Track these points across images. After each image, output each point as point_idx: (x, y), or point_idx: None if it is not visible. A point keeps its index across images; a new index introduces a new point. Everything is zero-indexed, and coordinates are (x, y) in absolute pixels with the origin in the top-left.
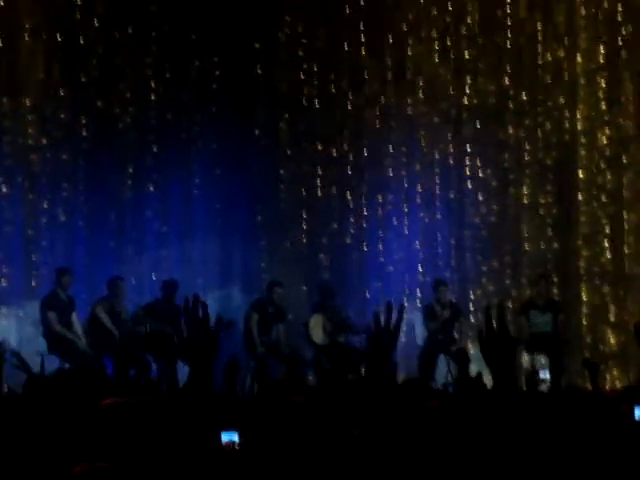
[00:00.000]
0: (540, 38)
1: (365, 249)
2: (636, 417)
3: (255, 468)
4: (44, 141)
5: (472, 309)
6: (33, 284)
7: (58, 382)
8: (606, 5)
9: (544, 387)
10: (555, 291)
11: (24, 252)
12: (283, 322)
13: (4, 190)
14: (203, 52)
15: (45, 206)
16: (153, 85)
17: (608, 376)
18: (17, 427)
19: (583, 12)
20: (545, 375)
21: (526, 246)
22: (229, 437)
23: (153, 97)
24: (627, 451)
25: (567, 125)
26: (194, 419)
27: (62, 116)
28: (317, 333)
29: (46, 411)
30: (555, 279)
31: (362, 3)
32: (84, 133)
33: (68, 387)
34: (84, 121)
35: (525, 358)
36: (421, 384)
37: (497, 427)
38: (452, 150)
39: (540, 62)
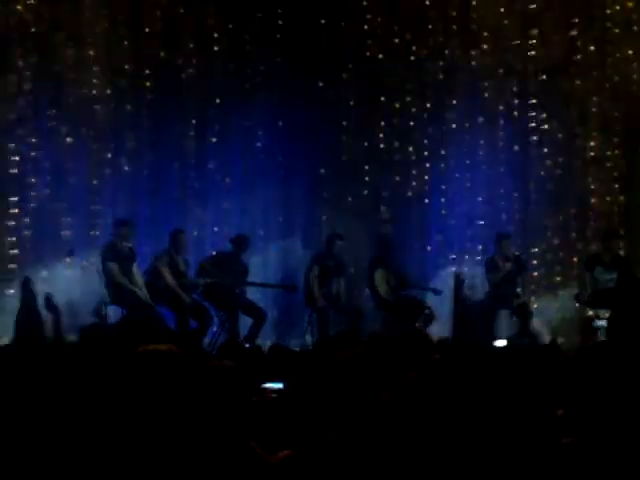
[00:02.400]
0: None
1: (427, 202)
2: None
3: (292, 415)
4: (108, 92)
5: (536, 263)
6: (97, 234)
7: (121, 332)
8: None
9: (600, 335)
10: (623, 246)
11: (88, 202)
12: (343, 275)
13: (68, 140)
14: (267, 2)
15: (109, 156)
16: (216, 36)
17: None
18: (76, 376)
19: None
20: (602, 323)
21: (592, 200)
22: (274, 386)
23: (216, 48)
24: None
25: (635, 77)
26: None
27: (126, 67)
28: (381, 287)
29: (107, 360)
30: (622, 233)
31: None
32: (148, 84)
33: (130, 337)
34: (148, 72)
35: (590, 313)
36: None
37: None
38: (517, 103)
39: (608, 13)
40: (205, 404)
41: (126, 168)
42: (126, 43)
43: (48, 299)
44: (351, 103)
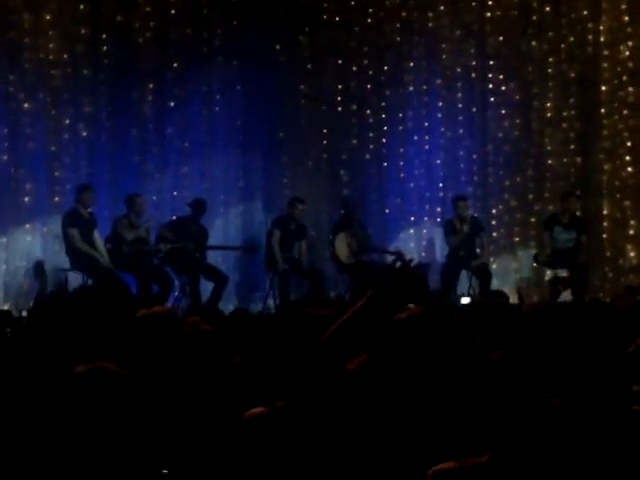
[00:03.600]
0: None
1: (385, 165)
2: None
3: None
4: (65, 56)
5: (494, 224)
6: (56, 200)
7: (83, 298)
8: None
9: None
10: (580, 207)
11: (47, 168)
12: (305, 239)
13: (26, 106)
14: None
15: (67, 122)
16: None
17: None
18: (39, 343)
19: None
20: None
21: (549, 160)
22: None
23: (173, 11)
24: None
25: (590, 38)
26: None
27: (82, 31)
28: (342, 251)
29: (71, 327)
30: (578, 193)
31: None
32: (105, 48)
33: (93, 303)
34: (104, 36)
35: (548, 273)
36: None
37: (521, 337)
38: (474, 64)
39: None
40: (195, 368)
41: (84, 134)
42: (82, 7)
43: (39, 266)
44: (308, 66)
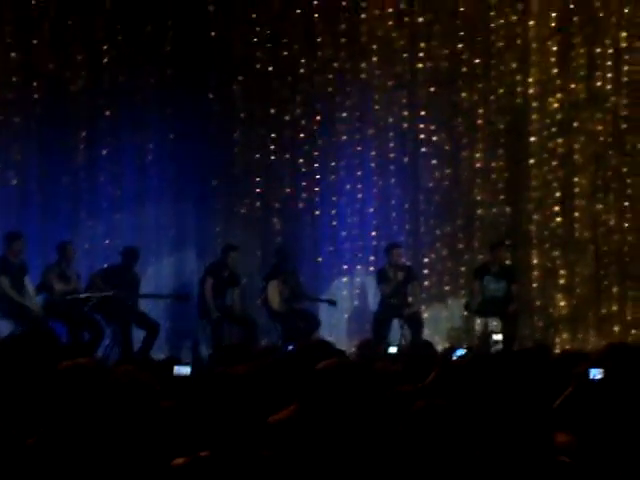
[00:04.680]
0: (493, 2)
1: (318, 213)
2: (591, 377)
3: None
4: None
5: (426, 273)
6: None
7: (11, 346)
8: None
9: (496, 349)
10: (509, 256)
11: None
12: (238, 286)
13: None
14: (156, 14)
15: None
16: (105, 48)
17: (558, 339)
18: None
19: None
20: (497, 337)
21: (478, 210)
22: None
23: (106, 60)
24: (583, 409)
25: (519, 89)
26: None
27: (14, 79)
28: (274, 299)
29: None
30: (508, 243)
31: None
32: (36, 96)
33: (21, 351)
34: (36, 84)
35: (478, 322)
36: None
37: (453, 389)
38: (406, 114)
39: (493, 26)
40: (124, 417)
41: (14, 181)
42: (14, 55)
43: None
44: (242, 115)
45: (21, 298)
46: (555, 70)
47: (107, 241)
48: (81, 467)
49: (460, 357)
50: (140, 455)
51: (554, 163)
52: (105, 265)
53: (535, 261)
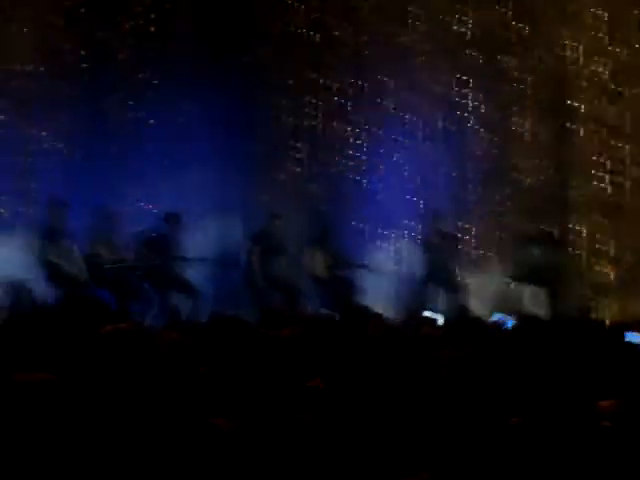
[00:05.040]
0: None
1: (363, 181)
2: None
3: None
4: (42, 69)
5: (469, 240)
6: (29, 213)
7: (61, 312)
8: None
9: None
10: (555, 225)
11: (22, 181)
12: (284, 255)
13: (2, 118)
14: None
15: (44, 135)
16: (153, 16)
17: (607, 310)
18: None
19: None
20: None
21: (526, 179)
22: None
23: (153, 29)
24: (622, 373)
25: (569, 56)
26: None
27: (61, 47)
28: (316, 266)
29: (48, 340)
30: (556, 213)
31: None
32: (84, 65)
33: (71, 316)
34: (83, 52)
35: (522, 290)
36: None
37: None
38: (453, 82)
39: None
40: (162, 379)
41: (59, 147)
42: (61, 23)
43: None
44: (289, 82)
45: (67, 265)
46: (605, 36)
47: (153, 208)
48: (119, 429)
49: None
50: (178, 417)
51: (603, 131)
52: (149, 232)
53: (585, 231)
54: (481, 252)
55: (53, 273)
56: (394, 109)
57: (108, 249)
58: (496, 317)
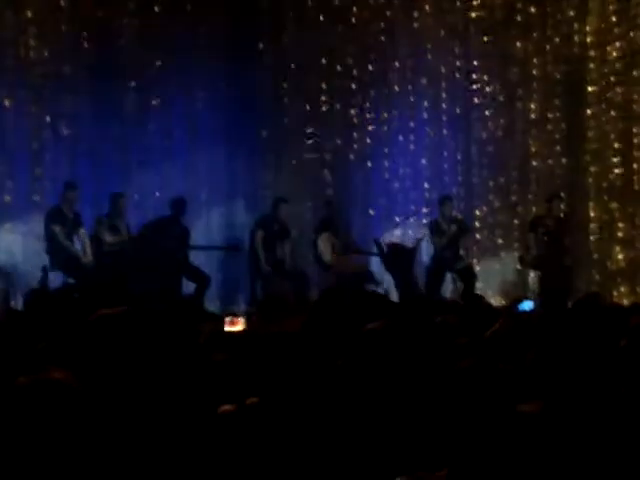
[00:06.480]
0: None
1: (369, 165)
2: None
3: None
4: (45, 54)
5: (478, 225)
6: (37, 198)
7: (65, 296)
8: None
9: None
10: (567, 209)
11: (28, 166)
12: (288, 239)
13: (6, 104)
14: None
15: (48, 120)
16: None
17: (616, 293)
18: (22, 340)
19: None
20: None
21: (533, 162)
22: None
23: (156, 9)
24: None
25: (576, 38)
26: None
27: (63, 28)
28: (325, 252)
29: (51, 325)
30: (562, 195)
31: None
32: (86, 45)
33: (76, 301)
34: (85, 34)
35: (532, 275)
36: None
37: (517, 341)
38: (459, 64)
39: None
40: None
41: (66, 132)
42: (63, 4)
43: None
44: (292, 65)
45: (74, 249)
46: (614, 18)
47: (157, 192)
48: (120, 416)
49: (527, 310)
50: (185, 404)
51: (612, 113)
52: (154, 217)
53: (592, 214)
54: (492, 238)
55: (60, 257)
56: (399, 91)
57: (112, 233)
58: (525, 305)
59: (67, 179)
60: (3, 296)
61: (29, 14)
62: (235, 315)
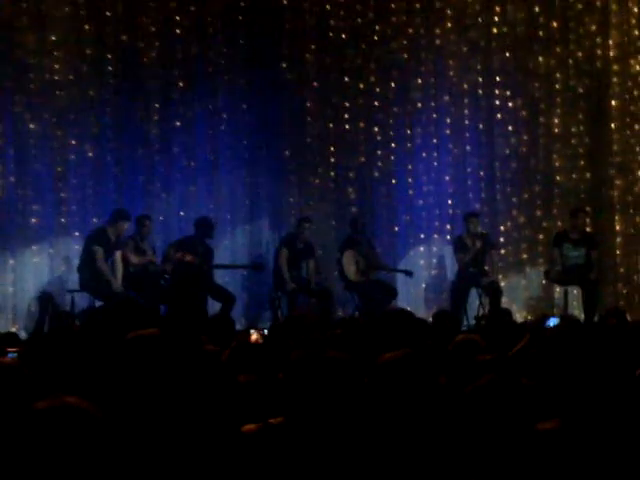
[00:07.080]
0: None
1: (393, 182)
2: None
3: None
4: (70, 77)
5: (503, 241)
6: (62, 221)
7: (94, 319)
8: None
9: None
10: (588, 221)
11: (53, 189)
12: (313, 258)
13: (31, 127)
14: None
15: (73, 142)
16: (178, 19)
17: None
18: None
19: None
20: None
21: (557, 177)
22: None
23: (178, 31)
24: None
25: (599, 53)
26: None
27: (87, 52)
28: (350, 270)
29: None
30: (588, 209)
31: None
32: (110, 68)
33: (107, 323)
34: (109, 56)
35: (558, 290)
36: (453, 317)
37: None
38: (481, 80)
39: None
40: (194, 386)
41: (90, 154)
42: (87, 27)
43: (45, 296)
44: (315, 84)
45: (108, 274)
46: (636, 32)
47: (182, 212)
48: (148, 435)
49: (553, 326)
50: (209, 423)
51: (636, 127)
52: (179, 237)
53: (618, 227)
54: (516, 253)
55: (93, 279)
56: (422, 108)
57: (138, 254)
58: (551, 322)
59: (90, 202)
60: (38, 321)
61: (53, 38)
62: (259, 329)
